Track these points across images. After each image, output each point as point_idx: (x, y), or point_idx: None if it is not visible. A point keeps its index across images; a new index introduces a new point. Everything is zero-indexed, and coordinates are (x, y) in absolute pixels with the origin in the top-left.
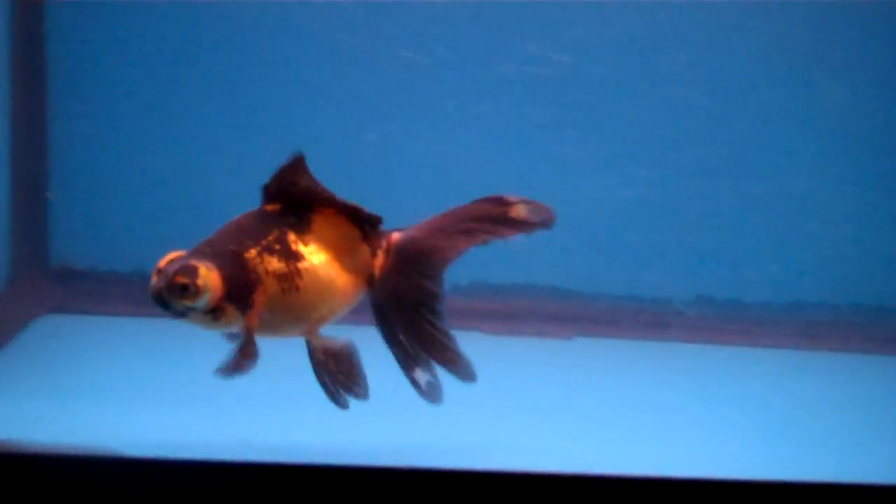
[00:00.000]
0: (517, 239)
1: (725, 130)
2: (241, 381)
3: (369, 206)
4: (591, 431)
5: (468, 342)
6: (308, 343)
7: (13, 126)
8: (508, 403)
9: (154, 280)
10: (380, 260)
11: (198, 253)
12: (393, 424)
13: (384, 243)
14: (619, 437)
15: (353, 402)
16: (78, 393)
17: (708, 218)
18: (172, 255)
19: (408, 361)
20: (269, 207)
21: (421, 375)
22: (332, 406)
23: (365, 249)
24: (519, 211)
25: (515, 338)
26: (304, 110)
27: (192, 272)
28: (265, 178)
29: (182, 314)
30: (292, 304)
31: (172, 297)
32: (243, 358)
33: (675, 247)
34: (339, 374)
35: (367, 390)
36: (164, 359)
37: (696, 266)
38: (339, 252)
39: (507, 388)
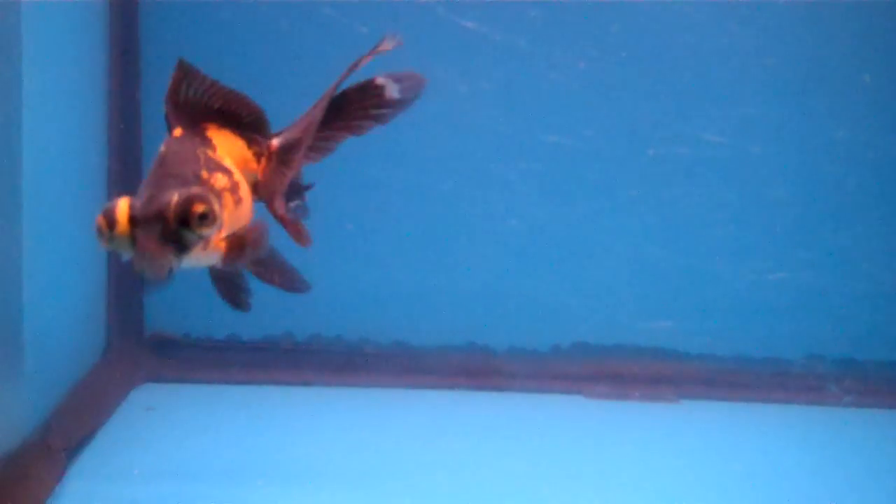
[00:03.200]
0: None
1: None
2: (347, 456)
3: None
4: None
5: (570, 406)
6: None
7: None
8: (611, 474)
9: (119, 223)
10: (263, 165)
11: (172, 184)
12: None
13: (266, 149)
14: None
15: None
16: (187, 472)
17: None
18: (123, 199)
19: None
20: (176, 133)
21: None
22: None
23: (251, 156)
24: (392, 92)
25: (619, 402)
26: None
27: (206, 198)
28: None
29: (186, 249)
30: (238, 218)
31: (191, 229)
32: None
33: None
34: (274, 275)
35: (305, 281)
36: (263, 428)
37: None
38: (240, 162)
39: (611, 458)
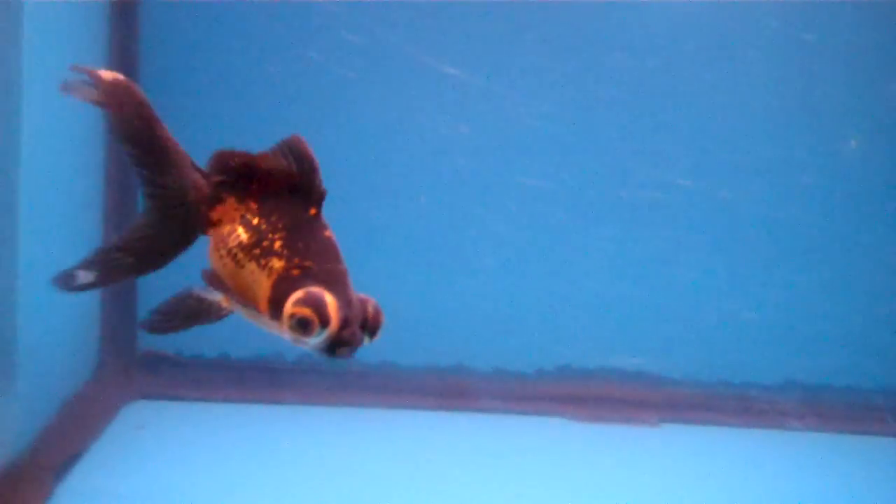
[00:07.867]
0: None
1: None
2: (333, 477)
3: None
4: None
5: (552, 428)
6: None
7: (105, 220)
8: (591, 496)
9: (351, 332)
10: None
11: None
12: None
13: None
14: None
15: None
16: (176, 492)
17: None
18: (329, 297)
19: None
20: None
21: None
22: None
23: None
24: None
25: (600, 424)
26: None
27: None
28: None
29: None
30: None
31: (372, 335)
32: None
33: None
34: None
35: None
36: (252, 448)
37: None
38: None
39: (591, 479)
